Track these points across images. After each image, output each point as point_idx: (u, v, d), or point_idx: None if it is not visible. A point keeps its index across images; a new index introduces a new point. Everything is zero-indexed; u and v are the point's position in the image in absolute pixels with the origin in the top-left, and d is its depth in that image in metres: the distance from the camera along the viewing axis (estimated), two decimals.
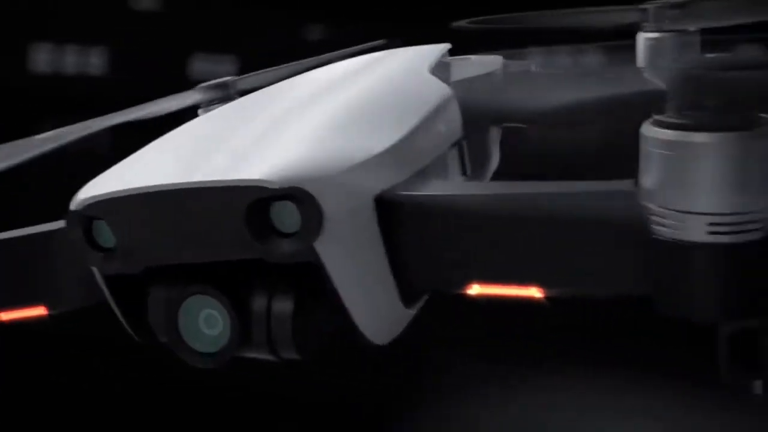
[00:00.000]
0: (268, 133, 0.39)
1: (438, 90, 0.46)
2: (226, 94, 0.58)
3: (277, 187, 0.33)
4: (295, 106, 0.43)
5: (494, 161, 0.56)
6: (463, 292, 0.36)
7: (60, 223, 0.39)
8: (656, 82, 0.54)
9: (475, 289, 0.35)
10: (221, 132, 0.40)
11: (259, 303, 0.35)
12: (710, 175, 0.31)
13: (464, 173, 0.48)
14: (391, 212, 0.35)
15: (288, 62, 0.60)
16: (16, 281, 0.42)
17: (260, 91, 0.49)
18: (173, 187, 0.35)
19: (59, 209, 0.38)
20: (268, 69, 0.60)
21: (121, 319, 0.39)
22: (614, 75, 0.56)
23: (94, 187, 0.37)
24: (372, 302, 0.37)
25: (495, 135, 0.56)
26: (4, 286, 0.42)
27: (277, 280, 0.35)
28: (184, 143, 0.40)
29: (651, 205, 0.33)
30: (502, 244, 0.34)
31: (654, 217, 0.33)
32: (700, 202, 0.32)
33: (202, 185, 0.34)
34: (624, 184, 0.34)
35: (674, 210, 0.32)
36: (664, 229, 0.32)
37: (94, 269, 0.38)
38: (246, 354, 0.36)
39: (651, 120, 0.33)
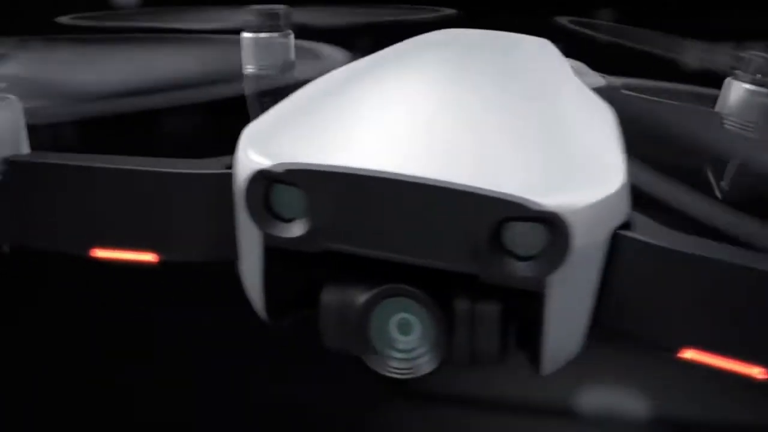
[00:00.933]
0: (487, 138, 0.34)
1: (612, 113, 0.41)
2: (275, 24, 0.54)
3: (536, 208, 0.29)
4: (488, 104, 0.37)
5: None
6: (670, 352, 0.32)
7: (192, 163, 0.35)
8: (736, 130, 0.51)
9: (688, 354, 0.32)
10: (414, 120, 0.35)
11: (462, 307, 0.31)
12: None
13: None
14: (621, 252, 0.32)
15: None
16: (125, 216, 0.36)
17: (394, 62, 0.42)
18: (405, 179, 0.30)
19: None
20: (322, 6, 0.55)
21: (255, 295, 0.34)
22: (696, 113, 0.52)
23: (282, 147, 0.32)
24: (565, 337, 0.33)
25: None
26: (110, 220, 0.36)
27: (478, 284, 0.31)
28: (373, 121, 0.34)
29: None
30: (731, 316, 0.31)
31: None
32: None
33: (446, 185, 0.30)
34: None
35: None
36: None
37: (252, 234, 0.33)
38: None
39: None
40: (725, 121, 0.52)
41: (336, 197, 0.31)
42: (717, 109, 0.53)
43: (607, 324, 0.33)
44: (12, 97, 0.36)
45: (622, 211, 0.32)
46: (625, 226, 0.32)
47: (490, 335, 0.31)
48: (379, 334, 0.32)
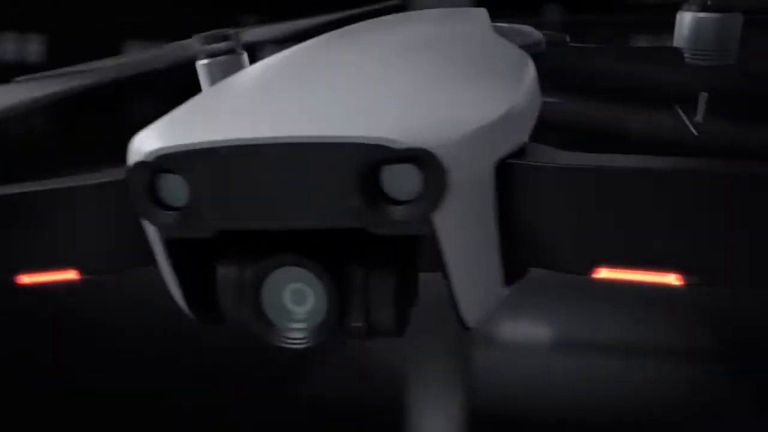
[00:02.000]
0: (373, 85, 0.33)
1: (522, 54, 0.41)
2: (230, 46, 0.54)
3: (402, 147, 0.28)
4: (382, 61, 0.37)
5: None
6: (584, 274, 0.31)
7: (93, 176, 0.34)
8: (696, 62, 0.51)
9: (601, 273, 0.31)
10: (311, 79, 0.35)
11: (357, 276, 0.31)
12: None
13: None
14: (512, 181, 0.31)
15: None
16: (43, 239, 0.36)
17: (310, 43, 0.44)
18: (271, 141, 0.29)
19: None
20: (274, 24, 0.55)
21: (176, 292, 0.34)
22: (655, 54, 0.52)
23: (160, 136, 0.31)
24: (477, 280, 0.32)
25: None
26: (30, 244, 0.36)
27: (372, 251, 0.31)
28: (267, 90, 0.34)
29: None
30: (641, 224, 0.30)
31: None
32: None
33: (310, 139, 0.29)
34: None
35: None
36: None
37: (152, 231, 0.32)
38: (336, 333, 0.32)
39: None
40: (685, 55, 0.52)
41: (208, 176, 0.30)
42: (675, 44, 0.53)
43: (519, 260, 0.32)
44: None
45: (508, 141, 0.31)
46: (517, 155, 0.31)
47: (386, 305, 0.31)
48: (273, 306, 0.31)
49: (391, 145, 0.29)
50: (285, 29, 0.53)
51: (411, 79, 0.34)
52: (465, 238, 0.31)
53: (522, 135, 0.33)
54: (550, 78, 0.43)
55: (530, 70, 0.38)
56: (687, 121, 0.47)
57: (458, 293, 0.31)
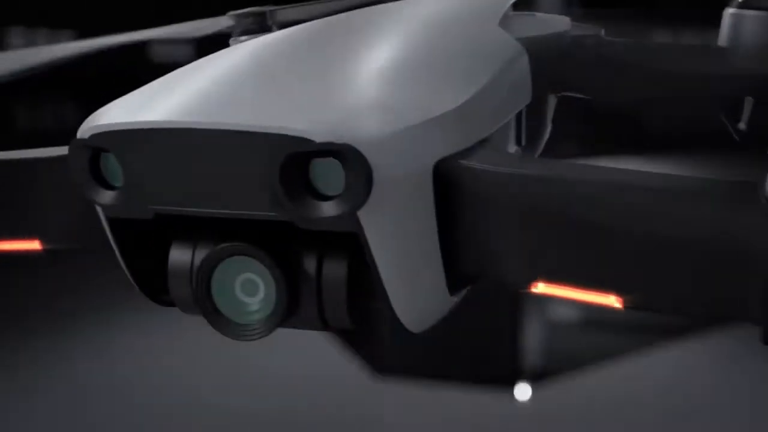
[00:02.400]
0: (313, 78, 0.33)
1: (510, 46, 0.40)
2: (262, 25, 0.53)
3: (321, 140, 0.28)
4: (345, 49, 0.36)
5: (547, 133, 0.50)
6: (522, 287, 0.31)
7: (62, 149, 0.34)
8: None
9: (539, 288, 0.30)
10: (257, 68, 0.35)
11: (308, 266, 0.30)
12: None
13: (519, 143, 0.43)
14: (452, 184, 0.30)
15: None
16: (8, 208, 0.37)
17: (302, 26, 0.44)
18: (198, 126, 0.30)
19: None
20: (310, 2, 0.54)
21: (126, 272, 0.34)
22: (698, 53, 0.50)
23: (106, 115, 0.32)
24: (414, 285, 0.31)
25: (552, 104, 0.50)
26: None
27: (324, 242, 0.31)
28: (215, 76, 0.34)
29: None
30: (584, 240, 0.29)
31: None
32: None
33: (233, 127, 0.29)
34: (744, 183, 0.28)
35: None
36: None
37: (99, 209, 0.33)
38: (287, 325, 0.31)
39: None
40: (731, 56, 0.50)
41: (141, 158, 0.30)
42: (720, 43, 0.52)
43: (464, 269, 0.31)
44: None
45: (453, 140, 0.30)
46: (464, 156, 0.30)
47: (337, 296, 0.30)
48: (223, 296, 0.31)
49: (311, 138, 0.28)
50: (320, 9, 0.51)
51: (365, 69, 0.33)
52: (398, 239, 0.30)
53: (475, 134, 0.32)
54: (581, 72, 0.42)
55: (516, 66, 0.37)
56: (729, 127, 0.45)
57: (392, 296, 0.31)
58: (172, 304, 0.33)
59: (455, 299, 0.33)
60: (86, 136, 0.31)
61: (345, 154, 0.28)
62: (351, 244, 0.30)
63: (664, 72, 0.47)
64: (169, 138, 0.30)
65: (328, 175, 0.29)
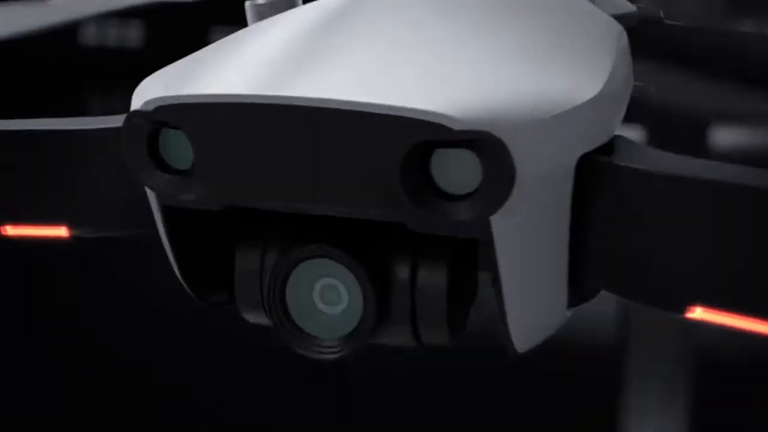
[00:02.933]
0: (428, 51, 0.27)
1: (613, 26, 0.34)
2: None
3: (461, 128, 0.23)
4: (457, 23, 0.30)
5: None
6: (673, 311, 0.26)
7: (102, 120, 0.30)
8: None
9: (696, 314, 0.26)
10: (346, 38, 0.29)
11: (400, 271, 0.26)
12: None
13: None
14: (595, 184, 0.26)
15: None
16: (30, 188, 0.32)
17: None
18: (301, 102, 0.24)
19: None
20: None
21: (175, 268, 0.29)
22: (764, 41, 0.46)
23: (171, 84, 0.26)
24: (537, 299, 0.27)
25: None
26: (18, 191, 0.32)
27: (418, 242, 0.26)
28: (291, 43, 0.28)
29: None
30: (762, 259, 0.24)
31: None
32: None
33: (349, 107, 0.24)
34: None
35: None
36: None
37: (151, 194, 0.28)
38: (373, 340, 0.27)
39: None
40: None
41: (219, 136, 0.25)
42: None
43: (590, 282, 0.27)
44: None
45: (596, 132, 0.26)
46: (604, 151, 0.26)
47: (436, 307, 0.26)
48: (298, 305, 0.27)
49: (448, 124, 0.23)
50: None
51: (484, 46, 0.28)
52: (529, 248, 0.25)
53: (612, 126, 0.27)
54: (640, 59, 0.38)
55: (624, 47, 0.32)
56: None
57: (510, 312, 0.26)
58: (221, 305, 0.29)
59: (569, 315, 0.28)
60: (150, 108, 0.26)
61: (484, 144, 0.23)
62: (451, 246, 0.26)
63: (729, 58, 0.43)
64: (263, 115, 0.25)
65: (454, 168, 0.24)
